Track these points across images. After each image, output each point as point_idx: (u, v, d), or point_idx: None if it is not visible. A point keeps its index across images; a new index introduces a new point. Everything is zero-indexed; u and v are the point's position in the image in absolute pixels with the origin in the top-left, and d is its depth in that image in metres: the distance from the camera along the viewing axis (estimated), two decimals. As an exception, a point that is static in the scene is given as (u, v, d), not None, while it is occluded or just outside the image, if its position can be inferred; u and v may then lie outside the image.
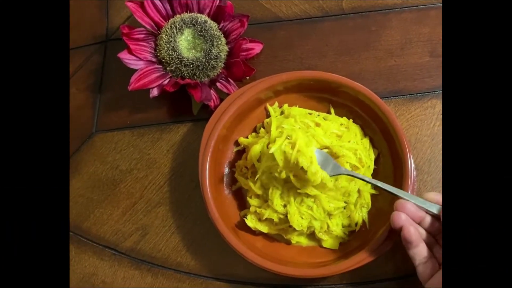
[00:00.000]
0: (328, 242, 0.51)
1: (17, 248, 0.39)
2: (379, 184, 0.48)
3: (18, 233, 0.39)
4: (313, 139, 0.49)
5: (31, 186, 0.40)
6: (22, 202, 0.39)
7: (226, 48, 0.58)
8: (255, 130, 0.56)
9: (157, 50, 0.57)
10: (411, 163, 0.49)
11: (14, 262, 0.38)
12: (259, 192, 0.51)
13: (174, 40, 0.56)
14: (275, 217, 0.50)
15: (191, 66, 0.56)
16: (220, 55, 0.57)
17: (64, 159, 0.42)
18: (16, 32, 0.42)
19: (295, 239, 0.51)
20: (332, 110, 0.55)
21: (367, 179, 0.48)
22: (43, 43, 0.42)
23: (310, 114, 0.54)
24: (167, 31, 0.56)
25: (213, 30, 0.57)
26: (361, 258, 0.47)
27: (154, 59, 0.57)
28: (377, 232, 0.49)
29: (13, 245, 0.39)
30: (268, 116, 0.55)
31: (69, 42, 0.63)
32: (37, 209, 0.40)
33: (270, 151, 0.47)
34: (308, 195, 0.49)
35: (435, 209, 0.45)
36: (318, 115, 0.54)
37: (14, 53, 0.41)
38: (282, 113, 0.55)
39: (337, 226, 0.51)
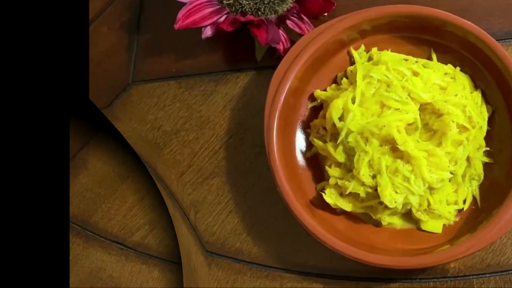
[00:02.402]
0: (428, 223, 0.47)
1: (17, 248, 0.40)
2: None
3: (18, 233, 0.40)
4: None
5: (31, 186, 0.41)
6: (22, 202, 0.41)
7: (299, -25, 0.52)
8: (335, 81, 0.51)
9: (212, -22, 0.52)
10: (535, 123, 0.45)
11: (14, 262, 0.40)
12: (341, 159, 0.47)
13: (234, -35, 0.50)
14: (361, 191, 0.46)
15: (254, -2, 0.51)
16: (292, -16, 0.51)
17: (64, 159, 0.44)
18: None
19: (386, 219, 0.47)
20: (434, 56, 0.50)
21: None
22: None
23: (406, 60, 0.49)
24: (225, -47, 0.51)
25: (283, -49, 0.51)
26: (471, 244, 0.43)
27: (208, -10, 0.52)
28: (491, 211, 0.44)
29: (13, 245, 0.40)
30: (352, 63, 0.51)
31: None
32: (37, 209, 0.41)
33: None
34: (406, 162, 0.44)
35: None
36: (416, 62, 0.49)
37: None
38: (370, 59, 0.50)
39: (440, 204, 0.46)
